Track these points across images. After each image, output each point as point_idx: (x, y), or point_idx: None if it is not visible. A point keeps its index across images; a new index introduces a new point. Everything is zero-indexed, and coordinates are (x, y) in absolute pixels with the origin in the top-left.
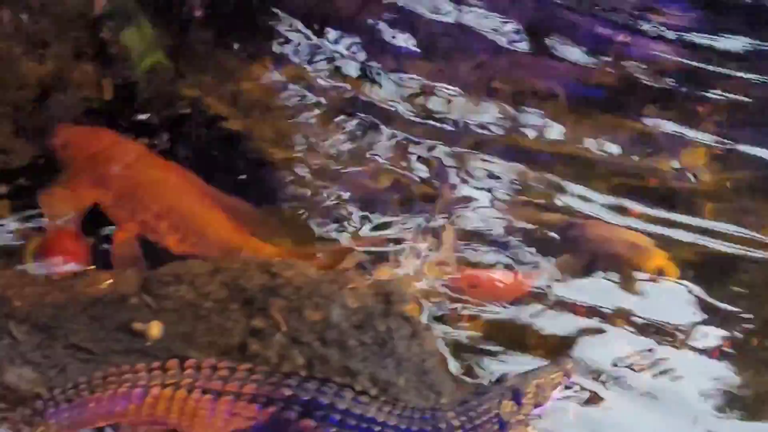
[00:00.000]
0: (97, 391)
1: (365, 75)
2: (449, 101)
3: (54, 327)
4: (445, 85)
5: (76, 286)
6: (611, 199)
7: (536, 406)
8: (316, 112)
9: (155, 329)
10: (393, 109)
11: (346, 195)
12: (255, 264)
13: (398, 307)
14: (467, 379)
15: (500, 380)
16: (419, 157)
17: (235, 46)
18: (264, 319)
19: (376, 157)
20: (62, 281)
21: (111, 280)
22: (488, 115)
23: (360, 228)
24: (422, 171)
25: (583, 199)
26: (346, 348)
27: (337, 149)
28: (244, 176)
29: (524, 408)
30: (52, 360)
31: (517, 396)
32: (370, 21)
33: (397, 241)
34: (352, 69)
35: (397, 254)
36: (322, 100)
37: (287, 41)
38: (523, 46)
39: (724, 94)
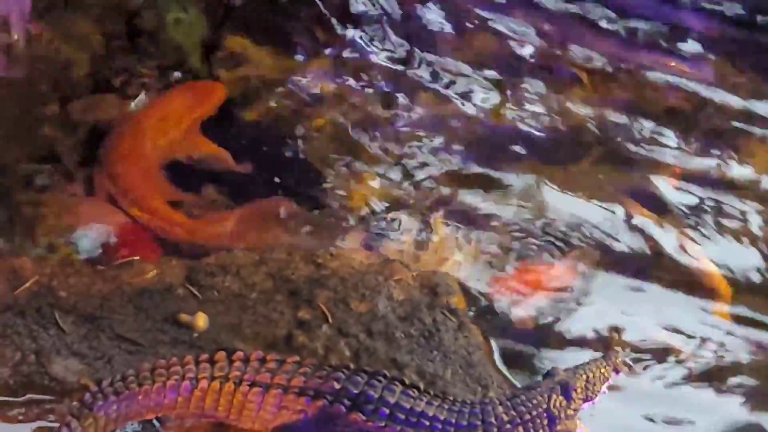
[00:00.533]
0: (145, 384)
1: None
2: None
3: (100, 318)
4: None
5: (122, 276)
6: None
7: (586, 400)
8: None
9: (201, 320)
10: None
11: None
12: (300, 255)
13: (444, 299)
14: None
15: (549, 374)
16: None
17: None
18: (310, 310)
19: None
20: (107, 271)
21: (156, 271)
22: None
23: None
24: None
25: None
26: (393, 340)
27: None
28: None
29: (574, 403)
30: (98, 351)
31: (566, 390)
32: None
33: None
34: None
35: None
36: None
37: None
38: None
39: None
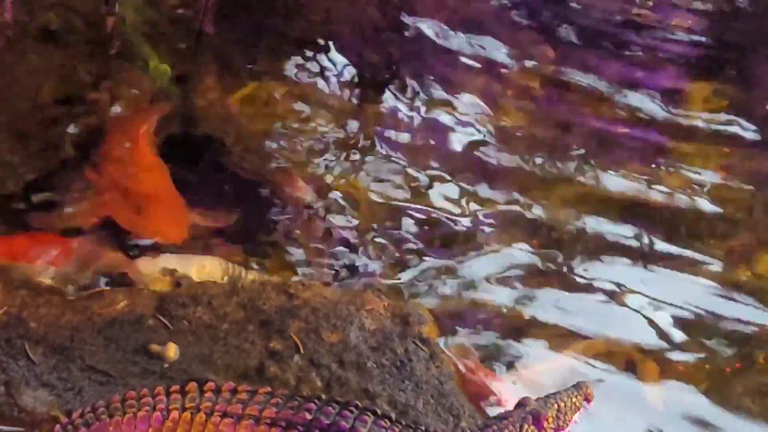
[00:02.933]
0: (116, 415)
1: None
2: None
3: (70, 348)
4: None
5: (92, 306)
6: None
7: (557, 430)
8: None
9: (172, 351)
10: None
11: None
12: (271, 285)
13: (416, 328)
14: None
15: (521, 404)
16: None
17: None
18: (282, 340)
19: None
20: (78, 301)
21: (126, 301)
22: None
23: None
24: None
25: None
26: (365, 370)
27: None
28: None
29: None
30: (68, 382)
31: (537, 420)
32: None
33: None
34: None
35: None
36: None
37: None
38: None
39: None
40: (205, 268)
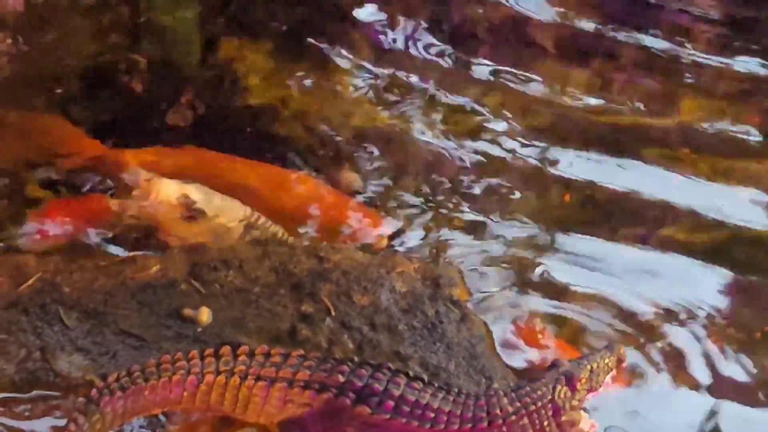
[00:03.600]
0: (151, 379)
1: None
2: None
3: (104, 313)
4: None
5: (125, 271)
6: None
7: (590, 391)
8: None
9: (205, 315)
10: None
11: None
12: (302, 248)
13: (447, 290)
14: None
15: (554, 365)
16: None
17: None
18: (313, 303)
19: None
20: (111, 266)
21: (159, 266)
22: None
23: None
24: None
25: None
26: (396, 332)
27: None
28: None
29: (578, 393)
30: (102, 346)
31: (571, 381)
32: None
33: None
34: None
35: None
36: None
37: None
38: None
39: None
40: (225, 207)
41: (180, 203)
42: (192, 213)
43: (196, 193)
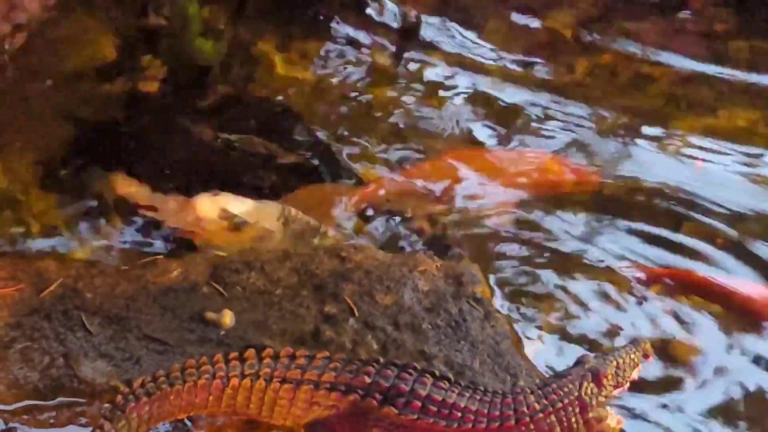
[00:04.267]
0: (176, 384)
1: None
2: None
3: (126, 318)
4: None
5: (146, 275)
6: None
7: (617, 387)
8: None
9: (227, 318)
10: None
11: None
12: (323, 249)
13: (469, 288)
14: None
15: (580, 362)
16: None
17: None
18: (336, 304)
19: None
20: (132, 271)
21: (180, 269)
22: None
23: None
24: None
25: None
26: (420, 332)
27: None
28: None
29: (605, 389)
30: (126, 352)
31: (597, 377)
32: None
33: None
34: None
35: None
36: None
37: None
38: None
39: None
40: (261, 210)
41: (221, 217)
42: (235, 223)
43: (232, 203)
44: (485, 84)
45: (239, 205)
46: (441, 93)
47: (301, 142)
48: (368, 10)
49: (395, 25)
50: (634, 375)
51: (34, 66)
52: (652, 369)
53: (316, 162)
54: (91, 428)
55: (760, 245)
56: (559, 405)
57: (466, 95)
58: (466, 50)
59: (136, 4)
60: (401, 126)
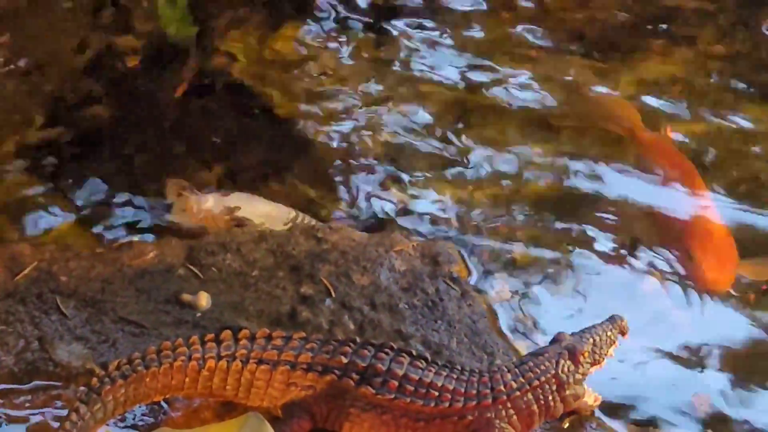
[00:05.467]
0: (152, 366)
1: None
2: None
3: (102, 301)
4: None
5: (122, 258)
6: None
7: (594, 364)
8: None
9: (204, 300)
10: None
11: None
12: (299, 229)
13: (446, 267)
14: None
15: (556, 339)
16: None
17: None
18: (312, 285)
19: None
20: (107, 254)
21: (156, 251)
22: None
23: None
24: None
25: None
26: (397, 311)
27: None
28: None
29: (582, 367)
30: (101, 335)
31: (574, 355)
32: None
33: None
34: None
35: None
36: None
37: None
38: None
39: None
40: (270, 213)
41: (225, 215)
42: (238, 221)
43: (237, 201)
44: None
45: (246, 204)
46: None
47: None
48: None
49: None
50: (611, 352)
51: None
52: None
53: None
54: (66, 411)
55: None
56: (536, 383)
57: None
58: None
59: None
60: None
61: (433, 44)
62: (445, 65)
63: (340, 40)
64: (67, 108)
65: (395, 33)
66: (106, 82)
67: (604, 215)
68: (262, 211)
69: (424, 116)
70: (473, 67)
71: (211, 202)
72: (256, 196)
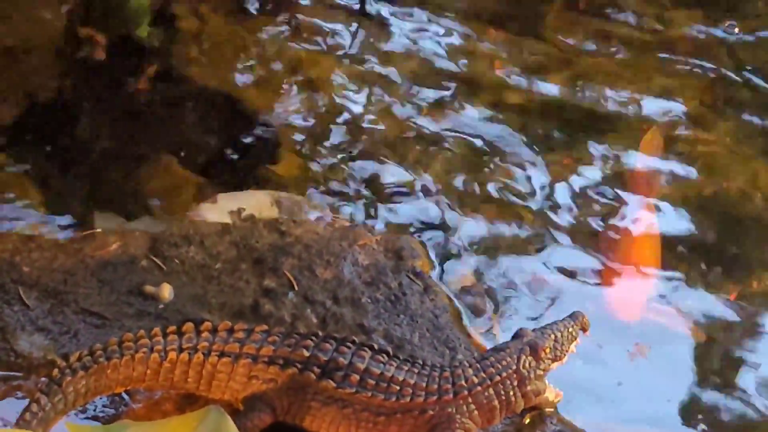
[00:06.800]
0: (113, 357)
1: None
2: None
3: (64, 292)
4: None
5: (84, 249)
6: None
7: (555, 360)
8: None
9: (166, 291)
10: None
11: None
12: (263, 222)
13: (409, 262)
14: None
15: (518, 335)
16: None
17: None
18: (275, 278)
19: None
20: (70, 245)
21: (119, 243)
22: None
23: None
24: None
25: None
26: (359, 305)
27: None
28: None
29: (543, 363)
30: (63, 326)
31: (535, 351)
32: None
33: None
34: None
35: None
36: None
37: None
38: None
39: None
40: (258, 202)
41: (234, 217)
42: (244, 217)
43: (230, 202)
44: None
45: (237, 201)
46: None
47: None
48: None
49: None
50: (573, 348)
51: None
52: None
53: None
54: (27, 402)
55: None
56: (497, 378)
57: None
58: None
59: None
60: None
61: None
62: None
63: None
64: (31, 95)
65: None
66: (70, 68)
67: None
68: (252, 202)
69: None
70: None
71: (211, 211)
72: (234, 192)
